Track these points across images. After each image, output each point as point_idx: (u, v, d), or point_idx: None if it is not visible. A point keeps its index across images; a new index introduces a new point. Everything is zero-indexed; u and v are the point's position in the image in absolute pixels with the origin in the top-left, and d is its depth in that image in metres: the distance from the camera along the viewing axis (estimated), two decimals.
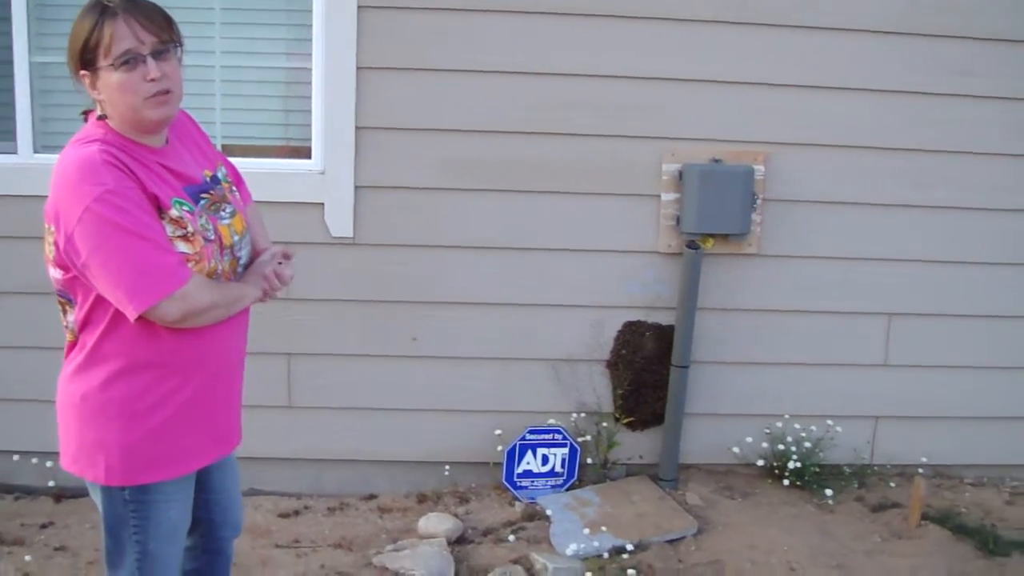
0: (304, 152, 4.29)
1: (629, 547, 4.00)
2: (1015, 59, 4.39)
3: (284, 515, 4.30)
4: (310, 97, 4.23)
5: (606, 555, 3.95)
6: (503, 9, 4.18)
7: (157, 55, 2.31)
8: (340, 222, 4.25)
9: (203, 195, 2.48)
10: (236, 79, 4.29)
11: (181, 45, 2.40)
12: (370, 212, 4.27)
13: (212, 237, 2.42)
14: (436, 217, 4.31)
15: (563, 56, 4.22)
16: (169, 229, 2.30)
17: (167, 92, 2.34)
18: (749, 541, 4.11)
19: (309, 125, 4.26)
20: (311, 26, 4.18)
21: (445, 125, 4.24)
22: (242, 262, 2.57)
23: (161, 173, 2.37)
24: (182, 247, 2.32)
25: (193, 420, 2.47)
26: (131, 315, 2.25)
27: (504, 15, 4.19)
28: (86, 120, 2.46)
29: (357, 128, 4.20)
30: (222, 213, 2.51)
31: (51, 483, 4.33)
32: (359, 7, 4.11)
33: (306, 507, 4.38)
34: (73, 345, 2.45)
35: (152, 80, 2.29)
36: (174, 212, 2.33)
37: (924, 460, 4.68)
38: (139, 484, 2.42)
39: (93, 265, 2.23)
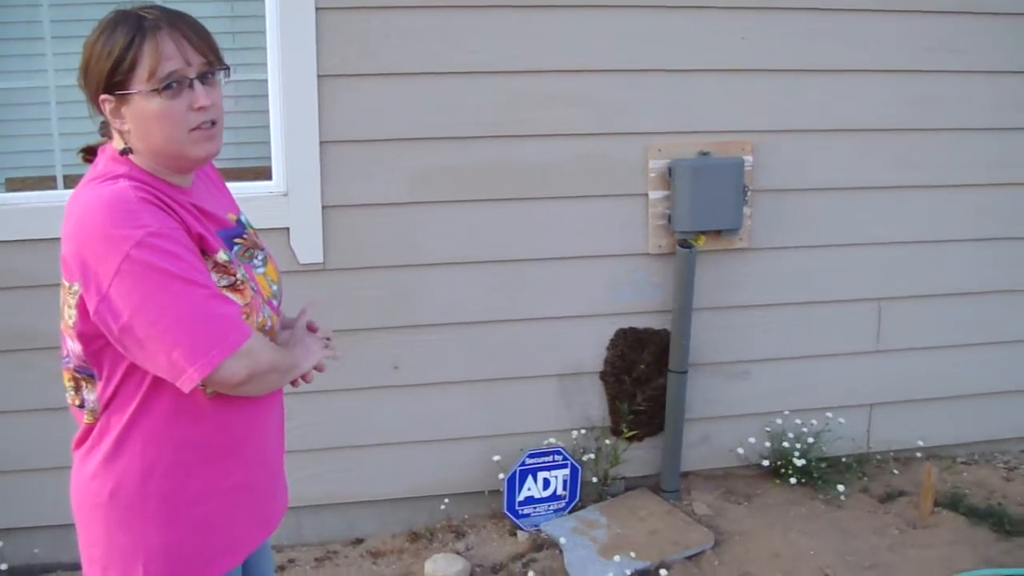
0: (264, 173, 3.88)
1: (651, 569, 3.77)
2: (998, 32, 4.31)
3: None
4: (267, 112, 3.83)
5: None
6: (470, 4, 3.84)
7: (203, 79, 1.93)
8: (308, 247, 3.86)
9: (236, 240, 2.10)
10: None
11: (227, 69, 2.01)
12: (340, 234, 3.90)
13: (255, 288, 2.05)
14: (412, 234, 3.96)
15: (535, 52, 3.92)
16: (214, 277, 1.93)
17: (213, 124, 1.96)
18: (771, 549, 3.93)
19: (268, 143, 3.85)
20: (264, 32, 3.76)
21: (416, 134, 3.89)
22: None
23: (196, 215, 1.98)
24: (233, 299, 1.95)
25: (241, 505, 2.10)
26: (190, 383, 1.83)
27: (471, 11, 3.85)
28: (87, 160, 2.06)
29: (321, 143, 3.80)
30: (255, 261, 2.14)
31: (2, 566, 3.86)
32: (317, 8, 3.70)
33: (290, 560, 3.99)
34: (90, 429, 2.00)
35: (200, 109, 1.91)
36: (221, 256, 1.96)
37: (920, 443, 4.59)
38: None
39: (139, 326, 1.81)
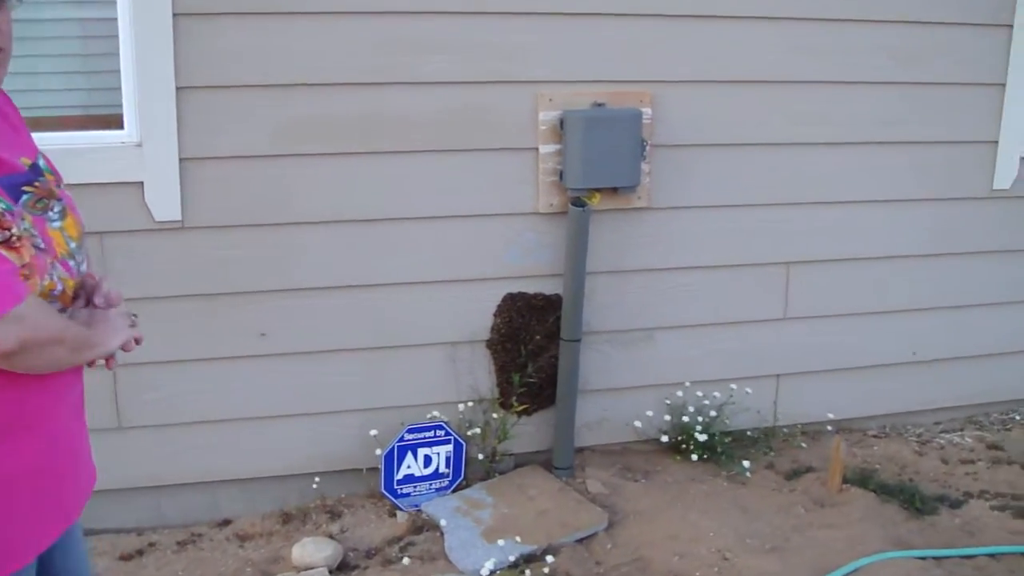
0: (115, 122, 3.52)
1: (538, 554, 3.50)
2: None
3: (126, 557, 3.59)
4: (117, 54, 3.46)
5: (514, 567, 3.44)
6: None
7: None
8: (164, 203, 3.53)
9: (25, 188, 1.77)
10: (19, 35, 3.48)
11: None
12: (200, 189, 3.56)
13: (42, 245, 1.73)
14: (280, 190, 3.64)
15: None
16: None
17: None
18: (668, 530, 3.67)
19: (118, 88, 3.49)
20: None
21: (281, 79, 3.56)
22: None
23: None
24: (6, 256, 1.64)
25: (36, 492, 1.80)
26: None
27: None
28: None
29: (178, 88, 3.46)
30: (51, 213, 1.81)
31: None
32: None
33: (151, 544, 3.68)
34: None
35: None
36: None
37: (830, 416, 4.39)
38: None
39: None
